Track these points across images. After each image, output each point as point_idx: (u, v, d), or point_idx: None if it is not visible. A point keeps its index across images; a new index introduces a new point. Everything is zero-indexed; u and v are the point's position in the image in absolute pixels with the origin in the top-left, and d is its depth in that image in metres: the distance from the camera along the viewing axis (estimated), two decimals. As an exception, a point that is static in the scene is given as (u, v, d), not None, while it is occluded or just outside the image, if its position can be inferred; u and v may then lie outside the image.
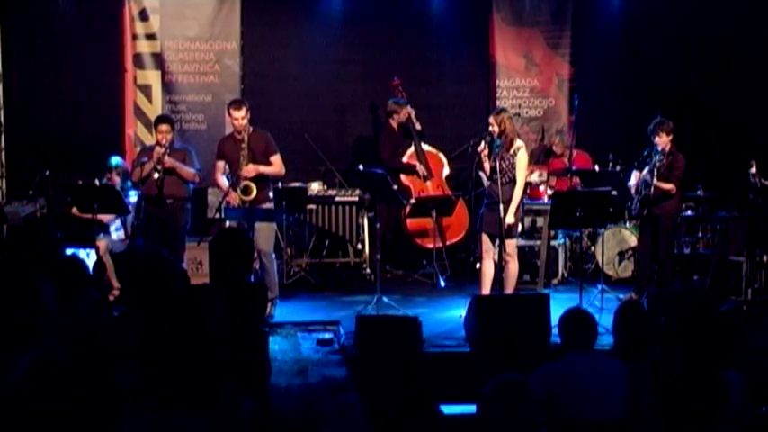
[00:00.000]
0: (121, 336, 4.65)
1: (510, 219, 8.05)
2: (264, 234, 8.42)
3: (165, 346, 4.21)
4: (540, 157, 11.09)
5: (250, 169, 8.42)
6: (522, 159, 8.15)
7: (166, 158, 8.61)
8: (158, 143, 8.72)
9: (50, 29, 10.79)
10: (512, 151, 8.12)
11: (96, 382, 3.85)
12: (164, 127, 8.77)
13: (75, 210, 9.11)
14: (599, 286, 8.90)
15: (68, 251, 7.60)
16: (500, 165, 8.02)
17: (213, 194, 10.30)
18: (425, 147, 10.51)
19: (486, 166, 8.17)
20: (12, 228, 8.88)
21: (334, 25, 11.19)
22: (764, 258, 8.91)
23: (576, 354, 4.83)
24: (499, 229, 8.02)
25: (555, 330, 6.53)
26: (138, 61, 10.83)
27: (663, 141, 8.72)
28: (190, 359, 4.26)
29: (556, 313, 7.39)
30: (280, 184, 9.23)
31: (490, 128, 8.18)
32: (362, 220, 10.27)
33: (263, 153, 8.55)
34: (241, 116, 8.42)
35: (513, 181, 8.11)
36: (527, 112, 11.35)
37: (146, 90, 10.85)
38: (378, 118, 10.98)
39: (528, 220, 10.16)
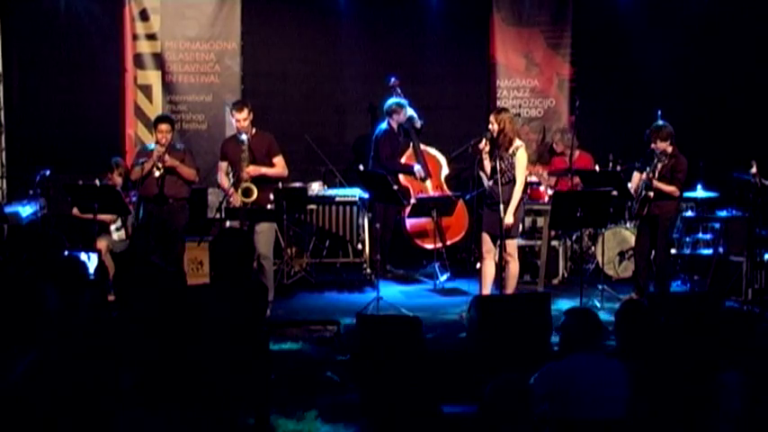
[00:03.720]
0: (121, 336, 4.65)
1: (509, 219, 8.05)
2: (265, 237, 8.42)
3: (163, 345, 4.21)
4: (544, 154, 11.07)
5: (251, 170, 8.42)
6: (521, 159, 8.15)
7: (167, 157, 8.61)
8: (158, 142, 8.72)
9: (51, 29, 10.79)
10: (511, 151, 8.13)
11: (96, 382, 3.85)
12: (164, 126, 8.77)
13: (75, 211, 9.11)
14: (599, 286, 8.90)
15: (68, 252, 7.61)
16: (500, 165, 8.03)
17: (213, 194, 10.30)
18: (424, 147, 10.50)
19: (487, 165, 8.18)
20: (12, 228, 8.88)
21: (333, 25, 11.20)
22: (765, 258, 8.90)
23: (578, 354, 4.83)
24: (499, 229, 8.02)
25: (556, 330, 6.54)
26: (139, 61, 10.83)
27: (660, 147, 8.67)
28: (189, 358, 4.26)
29: (556, 314, 7.41)
30: (280, 185, 9.23)
31: (490, 126, 8.18)
32: (363, 220, 10.26)
33: (264, 155, 8.55)
34: (243, 117, 8.43)
35: (512, 181, 8.12)
36: (527, 113, 11.34)
37: (146, 90, 10.85)
38: (377, 118, 10.97)
39: (528, 220, 10.16)
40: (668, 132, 8.67)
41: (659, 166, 8.62)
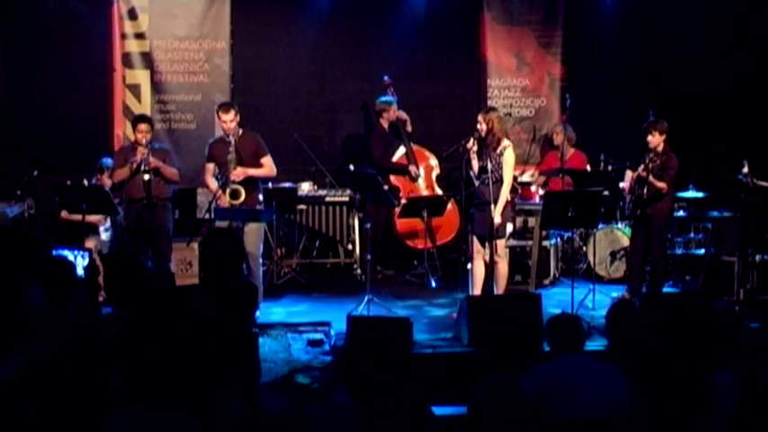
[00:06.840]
0: (110, 336, 4.61)
1: (497, 218, 8.02)
2: (254, 237, 8.37)
3: (152, 346, 4.17)
4: (544, 146, 10.99)
5: (238, 172, 8.35)
6: (508, 158, 8.13)
7: (151, 158, 8.56)
8: (137, 142, 8.66)
9: (39, 28, 10.71)
10: (499, 151, 8.11)
11: (84, 383, 3.81)
12: (143, 126, 8.71)
13: (64, 213, 9.05)
14: (590, 286, 8.88)
15: (57, 253, 7.54)
16: (488, 164, 8.01)
17: (203, 195, 10.25)
18: (416, 147, 10.47)
19: (475, 164, 8.16)
20: (-1, 229, 8.81)
21: (324, 24, 11.14)
22: (756, 258, 8.90)
23: (569, 355, 4.81)
24: (489, 229, 8.00)
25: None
26: (127, 60, 10.76)
27: (655, 140, 8.70)
28: (178, 359, 4.22)
29: (548, 314, 7.39)
30: (270, 185, 9.18)
31: (478, 126, 8.17)
32: (353, 221, 10.23)
33: (252, 155, 8.49)
34: (230, 119, 8.37)
35: (500, 180, 8.09)
36: (518, 112, 11.32)
37: (135, 89, 10.79)
38: (368, 117, 10.95)
39: (519, 221, 10.13)
40: (665, 128, 8.72)
41: (651, 165, 8.62)
